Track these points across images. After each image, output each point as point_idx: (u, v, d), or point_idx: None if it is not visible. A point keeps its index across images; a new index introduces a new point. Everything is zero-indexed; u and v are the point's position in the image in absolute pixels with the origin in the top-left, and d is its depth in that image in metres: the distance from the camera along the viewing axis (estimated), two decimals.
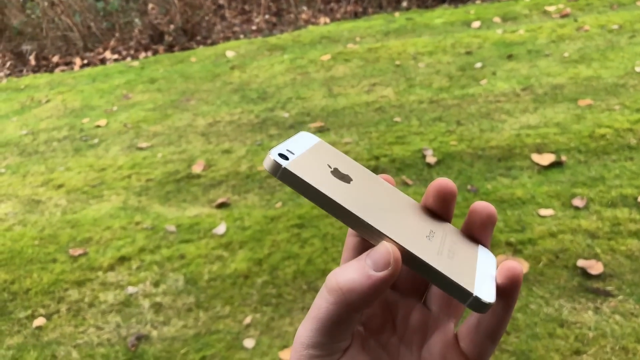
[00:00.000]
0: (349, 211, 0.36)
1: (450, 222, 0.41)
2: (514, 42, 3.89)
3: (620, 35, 3.68)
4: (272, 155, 0.37)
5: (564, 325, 1.63)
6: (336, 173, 0.40)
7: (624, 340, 1.55)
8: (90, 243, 2.35)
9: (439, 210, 0.40)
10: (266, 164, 0.37)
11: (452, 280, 0.35)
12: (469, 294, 0.34)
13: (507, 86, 3.22)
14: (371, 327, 0.39)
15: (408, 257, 0.35)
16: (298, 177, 0.37)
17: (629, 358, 1.50)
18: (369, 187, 0.40)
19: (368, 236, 0.36)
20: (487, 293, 0.35)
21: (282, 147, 0.39)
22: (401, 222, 0.38)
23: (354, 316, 0.33)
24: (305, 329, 0.34)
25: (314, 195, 0.37)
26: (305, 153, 0.40)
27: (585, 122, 2.67)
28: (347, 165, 0.42)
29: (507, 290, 0.35)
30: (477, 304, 0.34)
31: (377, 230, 0.35)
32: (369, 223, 0.35)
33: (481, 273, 0.37)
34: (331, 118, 3.21)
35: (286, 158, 0.38)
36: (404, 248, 0.35)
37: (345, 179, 0.40)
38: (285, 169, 0.37)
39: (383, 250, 0.33)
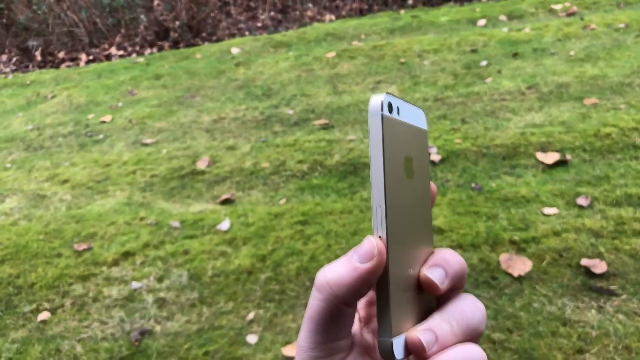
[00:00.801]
0: (385, 197, 0.34)
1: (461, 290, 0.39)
2: (520, 41, 3.87)
3: (627, 34, 3.66)
4: (385, 98, 0.36)
5: (567, 324, 1.63)
6: (408, 162, 0.38)
7: (627, 339, 1.55)
8: (94, 238, 2.36)
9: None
10: (373, 102, 0.36)
11: (390, 312, 0.33)
12: (390, 334, 0.33)
13: (513, 84, 3.21)
14: None
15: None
16: (382, 134, 0.35)
17: (632, 357, 1.50)
18: (416, 195, 0.38)
19: (376, 225, 0.35)
20: (401, 349, 0.33)
21: (395, 101, 0.37)
22: (405, 238, 0.36)
23: (345, 311, 0.34)
24: (303, 332, 0.35)
25: (376, 160, 0.35)
26: (406, 124, 0.38)
27: (590, 121, 2.66)
28: (422, 165, 0.39)
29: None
30: (387, 349, 0.33)
31: (386, 224, 0.34)
32: (387, 214, 0.34)
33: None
34: (336, 115, 3.21)
35: (390, 112, 0.36)
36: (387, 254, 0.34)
37: (410, 173, 0.38)
38: (382, 116, 0.35)
39: (367, 244, 0.33)
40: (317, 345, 0.34)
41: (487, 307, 1.71)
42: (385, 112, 0.35)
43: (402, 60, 3.88)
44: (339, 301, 0.33)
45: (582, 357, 1.52)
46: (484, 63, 3.59)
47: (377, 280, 0.34)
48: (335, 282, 0.33)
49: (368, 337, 0.39)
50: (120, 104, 3.91)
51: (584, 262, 1.82)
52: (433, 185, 0.40)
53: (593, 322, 1.62)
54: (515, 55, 3.64)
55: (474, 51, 3.83)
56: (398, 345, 0.33)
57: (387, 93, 0.36)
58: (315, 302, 0.34)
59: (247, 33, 5.51)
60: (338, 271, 0.33)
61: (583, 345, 1.55)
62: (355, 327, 0.39)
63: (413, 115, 0.39)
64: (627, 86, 2.96)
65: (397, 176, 0.36)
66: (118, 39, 5.65)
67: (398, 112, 0.37)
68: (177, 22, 5.62)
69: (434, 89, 3.34)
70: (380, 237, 0.34)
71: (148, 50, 5.38)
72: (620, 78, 3.06)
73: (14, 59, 5.64)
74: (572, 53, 3.51)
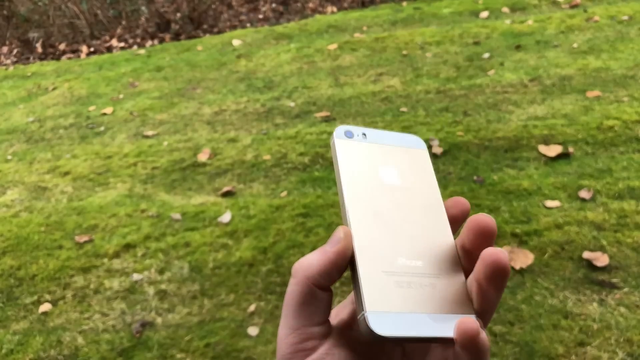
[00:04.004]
0: (343, 194, 0.39)
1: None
2: (523, 33, 3.85)
3: (630, 27, 3.64)
4: (338, 128, 0.42)
5: (569, 317, 1.62)
6: (387, 171, 0.41)
7: (629, 332, 1.54)
8: (96, 230, 2.36)
9: (470, 247, 0.37)
10: (333, 132, 0.42)
11: (360, 288, 0.35)
12: (362, 309, 0.34)
13: (515, 77, 3.20)
14: None
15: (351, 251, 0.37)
16: (336, 153, 0.41)
17: (633, 350, 1.50)
18: (406, 198, 0.40)
19: (343, 216, 0.39)
20: (385, 326, 0.33)
21: (360, 129, 0.43)
22: (387, 231, 0.38)
23: (318, 294, 0.36)
24: (280, 322, 0.37)
25: (336, 176, 0.40)
26: (375, 145, 0.42)
27: (593, 114, 2.64)
28: (417, 177, 0.42)
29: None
30: (364, 325, 0.34)
31: (347, 216, 0.38)
32: (347, 208, 0.38)
33: (421, 319, 0.35)
34: (337, 108, 3.20)
35: (350, 137, 0.42)
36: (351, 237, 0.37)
37: (393, 181, 0.41)
38: (334, 141, 0.42)
39: (336, 231, 0.37)
40: (292, 330, 0.36)
41: None
42: (340, 137, 0.42)
43: (404, 52, 3.86)
44: (311, 282, 0.36)
45: (584, 350, 1.52)
46: (486, 55, 3.58)
47: (349, 264, 0.36)
48: (308, 265, 0.36)
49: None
50: (121, 96, 3.90)
51: (586, 255, 1.82)
52: (463, 200, 0.41)
53: (595, 315, 1.62)
54: (518, 47, 3.62)
55: (476, 43, 3.81)
56: (377, 321, 0.34)
57: (346, 125, 0.43)
58: (290, 287, 0.36)
59: (248, 25, 5.49)
60: (311, 257, 0.37)
61: (584, 338, 1.55)
62: (342, 320, 0.39)
63: (396, 139, 0.44)
64: (630, 79, 2.94)
65: (364, 182, 0.40)
66: (119, 30, 5.63)
67: (365, 137, 0.43)
68: (178, 14, 5.60)
69: (436, 81, 3.32)
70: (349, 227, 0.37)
71: (149, 42, 5.36)
72: (623, 70, 3.04)
73: (15, 51, 5.62)
74: (575, 45, 3.49)
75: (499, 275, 0.34)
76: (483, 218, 0.36)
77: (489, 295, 0.36)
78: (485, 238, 0.36)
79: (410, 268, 0.37)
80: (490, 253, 0.34)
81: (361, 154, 0.41)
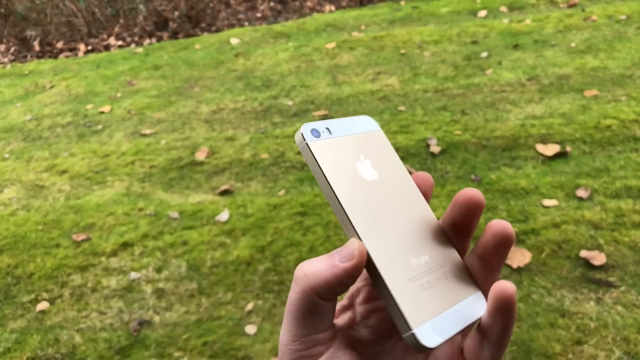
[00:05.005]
0: (341, 206, 0.36)
1: (470, 236, 0.39)
2: (521, 32, 3.85)
3: (628, 26, 3.64)
4: (303, 129, 0.38)
5: (566, 316, 1.63)
6: (364, 167, 0.39)
7: (626, 330, 1.55)
8: (93, 229, 2.36)
9: (462, 222, 0.38)
10: (296, 135, 0.39)
11: (398, 307, 0.34)
12: (408, 328, 0.34)
13: (513, 76, 3.20)
14: (379, 331, 0.39)
15: (370, 265, 0.35)
16: (314, 157, 0.37)
17: (630, 349, 1.50)
18: (389, 190, 0.39)
19: (349, 234, 0.36)
20: (431, 336, 0.34)
21: (321, 124, 0.39)
22: (391, 233, 0.37)
23: (322, 305, 0.35)
24: (283, 325, 0.36)
25: (321, 181, 0.37)
26: (342, 137, 0.40)
27: (590, 113, 2.65)
28: (386, 162, 0.41)
29: (500, 311, 0.34)
30: (414, 342, 0.34)
31: (355, 229, 0.36)
32: (351, 221, 0.36)
33: (449, 315, 0.35)
34: (335, 106, 3.20)
35: (318, 135, 0.39)
36: (368, 254, 0.35)
37: (371, 175, 0.39)
38: (306, 144, 0.38)
39: (350, 244, 0.35)
40: (297, 338, 0.35)
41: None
42: (310, 139, 0.38)
43: (402, 51, 3.86)
44: (315, 294, 0.34)
45: (581, 348, 1.52)
46: (484, 54, 3.58)
47: (373, 284, 0.35)
48: (313, 276, 0.34)
49: (364, 332, 0.39)
50: (119, 95, 3.89)
51: (583, 253, 1.82)
52: (426, 175, 0.41)
53: (592, 313, 1.62)
54: (516, 46, 3.62)
55: (474, 42, 3.81)
56: (424, 334, 0.34)
57: (307, 123, 0.39)
58: (293, 294, 0.35)
59: (246, 23, 5.48)
60: (317, 266, 0.34)
61: (581, 336, 1.56)
62: (345, 321, 0.39)
63: (353, 126, 0.41)
64: (627, 78, 2.95)
65: (352, 185, 0.37)
66: (117, 29, 5.62)
67: (330, 132, 0.39)
68: (176, 13, 5.59)
69: (434, 80, 3.33)
70: (361, 239, 0.35)
71: (147, 41, 5.35)
72: (621, 70, 3.04)
73: (12, 49, 5.61)
74: (572, 45, 3.50)
75: (505, 243, 0.36)
76: (472, 192, 0.37)
77: (493, 266, 0.37)
78: (478, 210, 0.37)
79: (422, 266, 0.37)
80: (497, 223, 0.36)
81: (335, 152, 0.39)
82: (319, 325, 0.35)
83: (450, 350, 0.38)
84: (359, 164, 0.39)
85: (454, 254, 0.38)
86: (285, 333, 0.36)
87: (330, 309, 0.36)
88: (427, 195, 0.41)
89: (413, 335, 0.34)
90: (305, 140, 0.38)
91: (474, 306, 0.37)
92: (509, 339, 0.36)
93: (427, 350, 0.34)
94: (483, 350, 0.36)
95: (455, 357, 0.37)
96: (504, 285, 0.34)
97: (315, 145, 0.38)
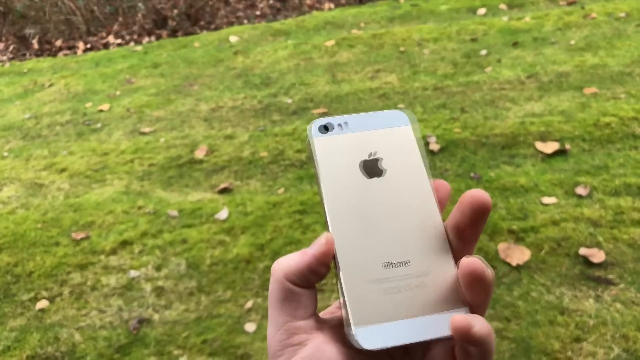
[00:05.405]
0: (322, 200, 0.37)
1: (474, 242, 0.38)
2: (520, 30, 3.85)
3: (628, 23, 3.64)
4: (311, 125, 0.40)
5: (565, 313, 1.63)
6: (370, 164, 0.39)
7: (624, 328, 1.55)
8: (92, 227, 2.36)
9: (466, 225, 0.37)
10: (308, 128, 0.40)
11: (346, 303, 0.35)
12: (349, 326, 0.35)
13: (512, 74, 3.20)
14: None
15: (335, 258, 0.36)
16: (314, 153, 0.38)
17: (629, 346, 1.50)
18: (393, 190, 0.38)
19: (326, 228, 0.38)
20: (374, 339, 0.34)
21: (338, 119, 0.40)
22: (373, 232, 0.37)
23: (296, 291, 0.37)
24: (268, 321, 0.38)
25: (315, 176, 0.38)
26: (355, 133, 0.40)
27: (590, 111, 2.65)
28: (402, 160, 0.39)
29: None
30: (352, 340, 0.34)
31: (327, 222, 0.37)
32: (326, 214, 0.37)
33: (409, 324, 0.34)
34: (334, 104, 3.20)
35: (327, 131, 0.39)
36: (334, 249, 0.36)
37: (377, 172, 0.39)
38: (309, 140, 0.39)
39: (320, 236, 0.37)
40: (279, 327, 0.36)
41: None
42: (315, 135, 0.39)
43: (402, 49, 3.86)
44: (288, 280, 0.36)
45: (580, 345, 1.53)
46: (483, 52, 3.58)
47: (336, 278, 0.36)
48: (285, 265, 0.37)
49: None
50: (118, 93, 3.89)
51: (582, 251, 1.82)
52: (444, 183, 0.40)
53: (591, 311, 1.62)
54: (515, 44, 3.62)
55: (473, 40, 3.81)
56: (364, 335, 0.34)
57: (320, 119, 0.40)
58: (270, 286, 0.38)
59: (245, 21, 5.48)
60: (289, 256, 0.38)
61: (580, 334, 1.56)
62: (338, 315, 0.39)
63: (377, 120, 0.41)
64: (627, 75, 2.95)
65: (345, 182, 0.38)
66: (116, 27, 5.61)
67: (344, 127, 0.40)
68: (175, 11, 5.58)
69: (434, 78, 3.32)
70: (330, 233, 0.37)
71: (146, 39, 5.35)
72: (620, 67, 3.04)
73: (11, 47, 5.60)
74: (572, 42, 3.49)
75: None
76: (479, 193, 0.36)
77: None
78: (484, 213, 0.36)
79: (396, 271, 0.36)
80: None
81: (340, 149, 0.39)
82: (297, 311, 0.36)
83: (444, 353, 0.38)
84: (364, 161, 0.39)
85: (447, 265, 0.37)
86: (269, 327, 0.37)
87: (307, 296, 0.37)
88: (441, 204, 0.40)
89: (351, 334, 0.34)
90: (311, 135, 0.39)
91: (447, 323, 0.35)
92: (483, 312, 0.36)
93: (368, 351, 0.34)
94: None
95: (449, 356, 0.37)
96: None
97: (319, 141, 0.39)
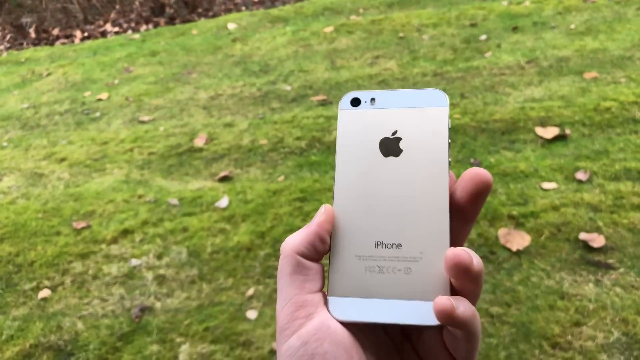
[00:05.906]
0: (335, 172, 0.39)
1: (472, 221, 0.38)
2: (520, 14, 3.82)
3: (628, 7, 3.62)
4: (344, 97, 0.41)
5: (565, 298, 1.64)
6: (389, 142, 0.39)
7: (624, 312, 1.56)
8: (93, 216, 2.36)
9: (466, 202, 0.37)
10: (341, 100, 0.41)
11: (330, 271, 0.37)
12: (328, 292, 0.37)
13: (512, 59, 3.18)
14: (395, 338, 0.40)
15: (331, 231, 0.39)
16: (339, 124, 0.40)
17: (628, 330, 1.51)
18: (406, 171, 0.38)
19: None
20: (344, 310, 0.35)
21: (369, 94, 0.41)
22: (372, 211, 0.37)
23: (305, 263, 0.38)
24: (277, 297, 0.39)
25: (335, 147, 0.40)
26: (382, 110, 0.40)
27: (590, 95, 2.64)
28: (425, 142, 0.39)
29: (475, 195, 0.37)
30: (327, 308, 0.37)
31: (334, 195, 0.39)
32: (335, 188, 0.39)
33: (383, 304, 0.35)
34: (334, 91, 3.19)
35: (356, 105, 0.40)
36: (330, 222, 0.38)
37: (394, 151, 0.39)
38: (340, 111, 0.40)
39: (320, 208, 0.40)
40: (287, 300, 0.37)
41: (485, 281, 1.72)
42: (345, 107, 0.40)
43: (401, 34, 3.84)
44: (298, 253, 0.38)
45: (579, 329, 1.54)
46: (483, 37, 3.56)
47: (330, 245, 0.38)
48: (292, 240, 0.38)
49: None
50: (116, 82, 3.88)
51: (582, 236, 1.83)
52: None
53: (590, 295, 1.63)
54: (515, 29, 3.60)
55: (473, 25, 3.79)
56: (336, 305, 0.36)
57: (355, 91, 0.41)
58: (280, 263, 0.39)
59: (243, 8, 5.44)
60: (295, 234, 0.39)
61: (580, 318, 1.57)
62: None
63: (410, 99, 0.40)
64: (627, 60, 2.93)
65: (359, 157, 0.39)
66: (113, 15, 5.58)
67: (373, 103, 0.40)
68: None
69: (433, 64, 3.31)
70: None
71: (143, 27, 5.31)
72: (620, 51, 3.03)
73: (8, 37, 5.57)
74: (572, 26, 3.47)
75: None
76: (480, 170, 0.37)
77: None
78: (484, 190, 0.38)
79: (385, 252, 0.36)
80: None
81: (363, 124, 0.39)
82: (305, 284, 0.37)
83: (437, 337, 0.38)
84: (384, 138, 0.39)
85: (441, 256, 0.36)
86: (278, 301, 0.38)
87: (315, 271, 0.38)
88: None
89: (327, 300, 0.37)
90: (339, 107, 0.40)
91: (427, 312, 0.35)
92: (474, 302, 0.36)
93: (339, 321, 0.35)
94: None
95: (439, 343, 0.38)
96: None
97: (344, 113, 0.40)
